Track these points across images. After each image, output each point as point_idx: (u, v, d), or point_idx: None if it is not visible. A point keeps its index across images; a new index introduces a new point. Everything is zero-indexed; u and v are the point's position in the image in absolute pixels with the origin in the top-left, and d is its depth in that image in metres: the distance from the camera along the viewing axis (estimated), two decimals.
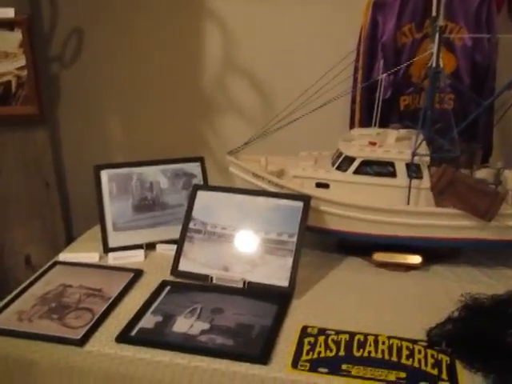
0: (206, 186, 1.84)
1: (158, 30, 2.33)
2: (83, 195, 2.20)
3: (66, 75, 2.38)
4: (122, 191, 1.90)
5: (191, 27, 2.32)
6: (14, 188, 1.88)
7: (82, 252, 1.84)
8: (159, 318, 1.48)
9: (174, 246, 1.78)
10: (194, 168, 1.97)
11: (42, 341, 1.42)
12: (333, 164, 1.77)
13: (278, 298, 1.55)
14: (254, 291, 1.58)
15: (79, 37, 2.36)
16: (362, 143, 1.71)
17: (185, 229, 1.73)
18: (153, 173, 1.94)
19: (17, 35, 1.66)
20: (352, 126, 2.16)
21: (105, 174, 1.90)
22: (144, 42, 2.35)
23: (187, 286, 1.63)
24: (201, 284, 1.63)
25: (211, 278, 1.63)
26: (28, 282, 1.69)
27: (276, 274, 1.60)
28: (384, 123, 1.90)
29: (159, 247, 1.86)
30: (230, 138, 2.35)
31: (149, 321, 1.47)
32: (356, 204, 1.67)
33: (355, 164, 1.69)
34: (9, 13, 1.62)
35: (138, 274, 1.72)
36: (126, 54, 2.38)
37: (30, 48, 1.67)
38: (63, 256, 1.82)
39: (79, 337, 1.41)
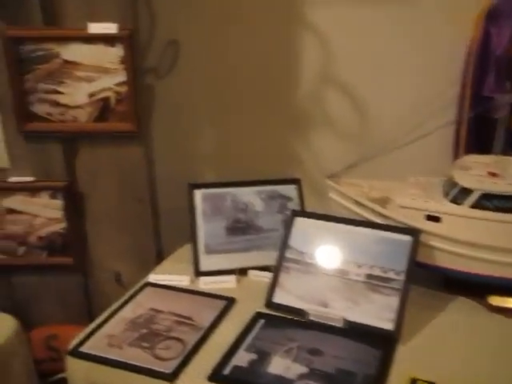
0: (305, 213, 1.73)
1: (252, 42, 2.25)
2: (173, 212, 2.15)
3: (159, 87, 2.34)
4: (215, 212, 1.83)
5: (286, 38, 2.22)
6: (107, 203, 1.86)
7: (172, 273, 1.78)
8: (254, 356, 1.38)
9: (267, 274, 1.69)
10: (290, 190, 1.87)
11: (132, 371, 1.37)
12: (445, 194, 1.61)
13: (382, 342, 1.41)
14: (355, 332, 1.45)
15: (175, 49, 2.32)
16: (481, 173, 1.55)
17: (281, 257, 1.63)
18: (247, 194, 1.86)
19: (118, 51, 1.62)
20: (456, 149, 1.99)
21: (198, 194, 1.83)
22: (238, 53, 2.27)
23: (283, 321, 1.52)
24: (297, 319, 1.52)
25: (308, 314, 1.52)
26: (119, 303, 1.65)
27: (380, 314, 1.46)
28: (491, 145, 1.73)
29: (251, 273, 1.77)
30: (324, 158, 2.24)
31: (243, 358, 1.38)
32: (473, 241, 1.51)
33: (473, 197, 1.52)
34: (112, 28, 1.58)
35: (230, 302, 1.63)
36: (220, 66, 2.31)
37: (130, 64, 1.62)
38: (153, 277, 1.77)
39: (170, 371, 1.34)
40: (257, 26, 2.20)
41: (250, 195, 1.85)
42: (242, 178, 1.93)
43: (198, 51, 2.29)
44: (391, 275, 1.50)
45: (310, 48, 2.21)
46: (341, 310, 1.50)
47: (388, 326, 1.44)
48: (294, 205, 1.84)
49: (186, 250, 1.93)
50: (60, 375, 1.93)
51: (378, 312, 1.46)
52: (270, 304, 1.58)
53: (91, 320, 2.05)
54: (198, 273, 1.77)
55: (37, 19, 1.63)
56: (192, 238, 1.81)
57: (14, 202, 1.82)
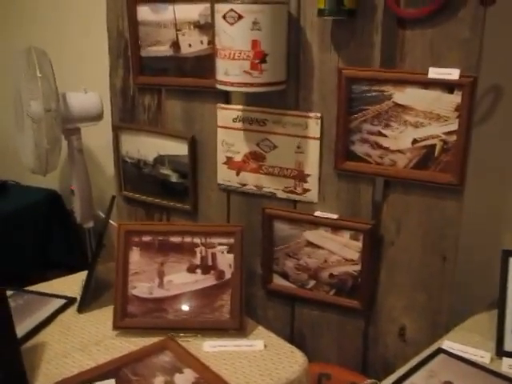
0: None
1: None
2: (467, 273, 1.97)
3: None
4: None
5: None
6: (408, 254, 1.76)
7: (468, 344, 1.61)
8: None
9: None
10: None
11: None
12: None
13: None
14: None
15: (496, 95, 2.13)
16: None
17: None
18: None
19: (455, 98, 1.51)
20: None
21: None
22: None
23: None
24: None
25: None
26: (409, 366, 1.53)
27: None
28: None
29: None
30: None
31: None
32: None
33: None
34: (454, 74, 1.48)
35: None
36: None
37: (466, 113, 1.49)
38: (448, 344, 1.61)
39: None
40: None
41: None
42: None
43: None
44: None
45: None
46: None
47: None
48: None
49: (482, 319, 1.74)
50: None
51: None
52: None
53: (365, 367, 1.98)
54: (501, 352, 1.56)
55: (375, 59, 1.61)
56: (499, 311, 1.61)
57: (315, 236, 1.83)
